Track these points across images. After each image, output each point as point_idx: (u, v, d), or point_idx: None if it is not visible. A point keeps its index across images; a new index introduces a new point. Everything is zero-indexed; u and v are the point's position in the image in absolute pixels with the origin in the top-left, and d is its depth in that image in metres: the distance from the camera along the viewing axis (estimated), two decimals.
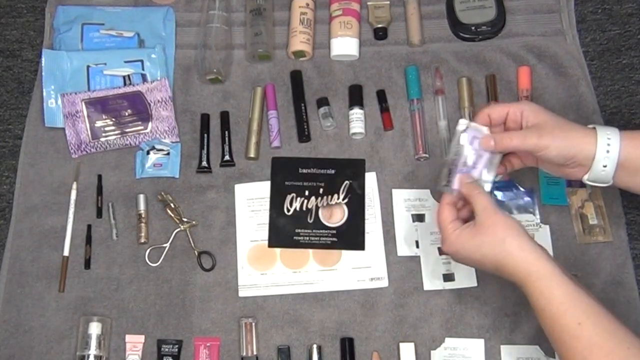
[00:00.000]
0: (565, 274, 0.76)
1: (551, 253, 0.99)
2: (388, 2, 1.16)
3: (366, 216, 1.03)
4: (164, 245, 1.02)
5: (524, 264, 0.77)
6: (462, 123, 0.86)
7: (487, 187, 0.84)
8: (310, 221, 1.03)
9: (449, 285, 0.99)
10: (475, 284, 0.99)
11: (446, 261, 0.99)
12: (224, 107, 1.11)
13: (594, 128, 0.82)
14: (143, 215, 1.03)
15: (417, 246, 1.01)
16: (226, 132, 1.08)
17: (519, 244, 0.77)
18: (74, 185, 1.05)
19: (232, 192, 1.05)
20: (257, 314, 0.99)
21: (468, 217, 0.85)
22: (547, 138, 0.81)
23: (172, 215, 1.03)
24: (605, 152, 0.80)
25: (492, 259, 0.79)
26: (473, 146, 0.85)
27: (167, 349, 0.96)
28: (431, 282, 0.99)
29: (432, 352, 0.96)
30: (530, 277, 0.76)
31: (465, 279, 0.99)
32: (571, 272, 0.97)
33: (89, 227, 1.03)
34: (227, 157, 1.07)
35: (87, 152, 1.07)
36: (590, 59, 1.14)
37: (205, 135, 1.08)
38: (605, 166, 0.80)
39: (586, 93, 1.09)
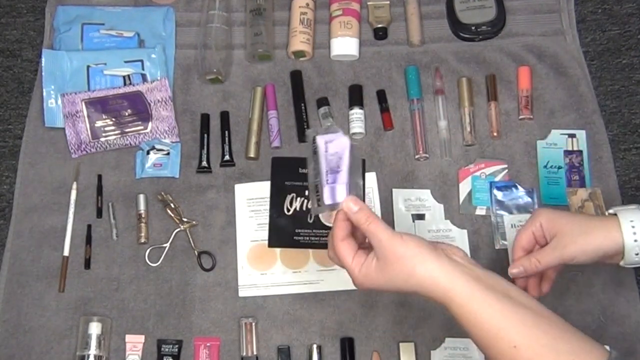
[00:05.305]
0: (490, 290, 0.68)
1: None
2: (388, 2, 1.16)
3: None
4: (164, 245, 1.02)
5: (441, 291, 0.69)
6: (310, 133, 0.79)
7: (359, 188, 0.77)
8: (310, 221, 1.02)
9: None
10: None
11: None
12: (224, 107, 1.11)
13: (615, 215, 0.79)
14: (143, 215, 1.03)
15: None
16: (226, 132, 1.08)
17: (430, 271, 0.69)
18: (74, 185, 1.05)
19: (232, 192, 1.05)
20: (257, 314, 0.99)
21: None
22: (571, 248, 0.79)
23: (172, 215, 1.03)
24: (633, 242, 0.77)
25: (409, 289, 0.71)
26: (329, 152, 0.77)
27: (167, 349, 0.96)
28: None
29: (432, 352, 0.95)
30: (452, 304, 0.69)
31: None
32: (571, 272, 0.99)
33: (89, 227, 1.03)
34: (227, 157, 1.07)
35: (87, 152, 1.07)
36: (590, 59, 1.13)
37: (205, 135, 1.08)
38: (637, 254, 0.78)
39: (586, 93, 1.09)
